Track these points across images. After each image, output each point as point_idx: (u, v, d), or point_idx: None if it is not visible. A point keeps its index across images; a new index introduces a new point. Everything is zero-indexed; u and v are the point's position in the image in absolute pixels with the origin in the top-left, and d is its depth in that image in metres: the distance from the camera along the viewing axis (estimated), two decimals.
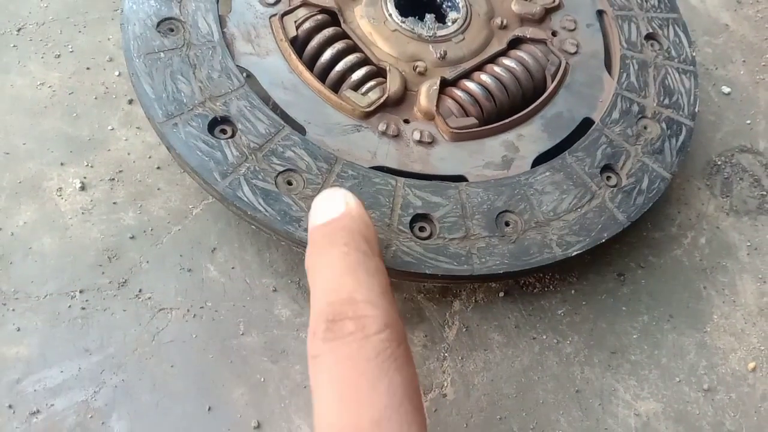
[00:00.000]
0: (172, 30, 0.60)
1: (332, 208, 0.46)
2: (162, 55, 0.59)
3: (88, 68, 0.68)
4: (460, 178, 0.60)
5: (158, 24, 0.60)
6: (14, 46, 0.68)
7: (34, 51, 0.68)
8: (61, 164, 0.62)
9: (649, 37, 0.73)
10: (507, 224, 0.58)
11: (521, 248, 0.57)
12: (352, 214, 0.46)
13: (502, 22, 0.70)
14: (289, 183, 0.56)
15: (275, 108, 0.60)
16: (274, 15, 0.64)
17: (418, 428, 0.38)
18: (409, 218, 0.56)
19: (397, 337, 0.40)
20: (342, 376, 0.39)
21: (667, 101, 0.69)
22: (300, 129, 0.59)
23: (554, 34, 0.71)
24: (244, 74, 0.60)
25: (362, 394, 0.38)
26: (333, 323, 0.40)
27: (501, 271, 0.56)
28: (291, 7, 0.65)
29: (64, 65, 0.67)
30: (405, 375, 0.39)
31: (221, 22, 0.62)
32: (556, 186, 0.61)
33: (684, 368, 0.61)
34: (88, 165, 0.62)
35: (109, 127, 0.65)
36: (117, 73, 0.68)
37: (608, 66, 0.71)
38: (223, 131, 0.57)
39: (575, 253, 0.58)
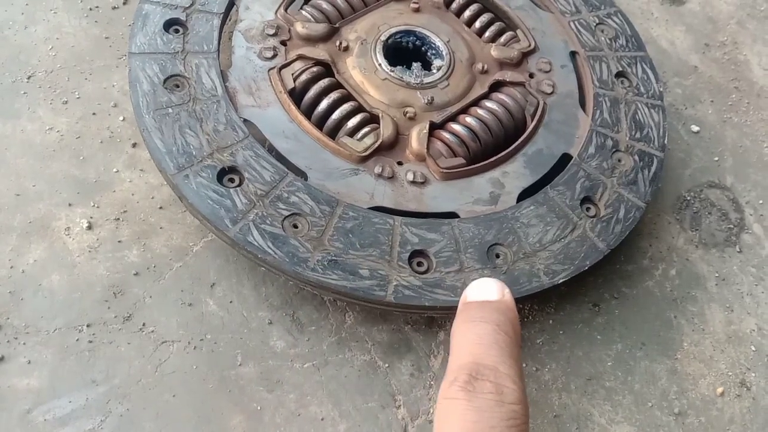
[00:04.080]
0: (177, 86, 0.64)
1: (490, 291, 0.48)
2: (170, 110, 0.62)
3: (94, 114, 0.72)
4: (452, 215, 0.64)
5: (165, 81, 0.64)
6: (24, 93, 0.72)
7: (43, 97, 0.72)
8: (69, 205, 0.66)
9: (619, 75, 0.78)
10: (497, 256, 0.62)
11: (512, 278, 0.61)
12: (508, 304, 0.47)
13: (483, 67, 0.75)
14: (295, 226, 0.59)
15: (277, 156, 0.63)
16: (273, 68, 0.68)
17: None
18: (408, 254, 0.60)
19: (526, 415, 0.42)
20: (474, 422, 0.40)
21: (638, 135, 0.74)
22: (302, 175, 0.63)
23: (531, 76, 0.76)
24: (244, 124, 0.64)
25: None
26: (474, 379, 0.41)
27: None
28: (288, 61, 0.69)
29: (72, 111, 0.72)
30: None
31: (223, 76, 0.66)
32: (540, 219, 0.65)
33: (656, 393, 0.65)
34: (94, 205, 0.66)
35: (114, 170, 0.68)
36: (121, 118, 0.72)
37: (582, 104, 0.76)
38: (231, 180, 0.61)
39: (561, 280, 0.62)
